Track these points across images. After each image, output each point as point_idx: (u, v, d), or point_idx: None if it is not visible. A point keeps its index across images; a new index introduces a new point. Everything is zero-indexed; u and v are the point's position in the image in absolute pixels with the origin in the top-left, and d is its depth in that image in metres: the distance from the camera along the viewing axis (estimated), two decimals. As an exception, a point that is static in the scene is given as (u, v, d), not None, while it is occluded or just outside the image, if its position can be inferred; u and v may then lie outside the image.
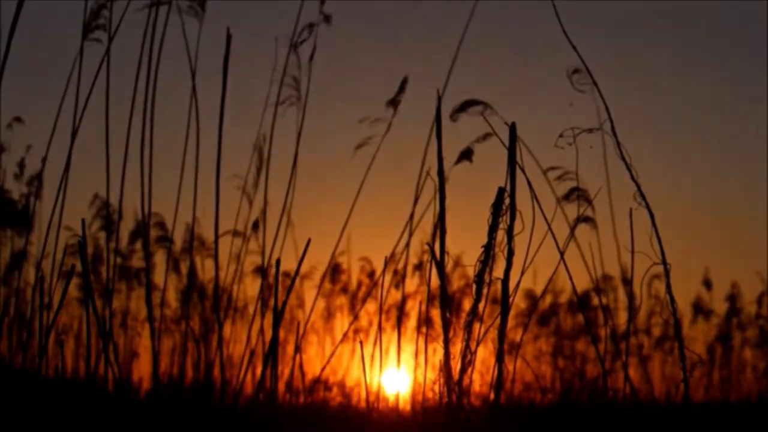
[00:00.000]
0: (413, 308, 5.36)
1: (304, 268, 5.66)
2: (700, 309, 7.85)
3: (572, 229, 3.07)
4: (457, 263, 5.89)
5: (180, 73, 4.07)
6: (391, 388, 3.87)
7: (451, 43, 4.40)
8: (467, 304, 3.05)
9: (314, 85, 4.09)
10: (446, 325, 2.83)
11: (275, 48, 4.20)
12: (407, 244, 4.24)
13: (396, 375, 3.50)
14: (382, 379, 3.46)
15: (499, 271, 2.79)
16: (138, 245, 5.19)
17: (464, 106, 3.40)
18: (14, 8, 3.31)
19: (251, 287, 4.82)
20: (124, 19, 3.80)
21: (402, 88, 4.27)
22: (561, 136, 3.00)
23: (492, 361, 2.86)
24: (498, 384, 2.83)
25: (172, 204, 4.06)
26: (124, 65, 4.01)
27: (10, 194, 4.38)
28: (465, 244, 3.06)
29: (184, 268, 5.49)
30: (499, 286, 2.84)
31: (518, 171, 2.80)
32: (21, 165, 4.67)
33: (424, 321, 3.18)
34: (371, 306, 6.04)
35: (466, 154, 3.54)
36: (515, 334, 6.64)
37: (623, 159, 2.91)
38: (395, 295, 5.42)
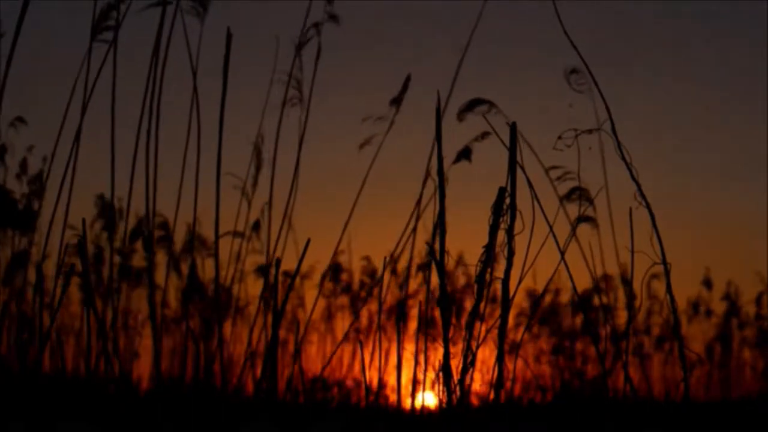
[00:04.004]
0: (415, 308, 5.36)
1: (306, 269, 5.66)
2: (698, 308, 7.84)
3: (573, 229, 3.07)
4: (459, 262, 5.89)
5: (184, 73, 4.07)
6: (392, 389, 3.88)
7: (455, 42, 4.40)
8: (468, 304, 3.05)
9: (317, 85, 4.10)
10: (446, 325, 2.83)
11: (277, 48, 4.20)
12: (412, 244, 4.25)
13: (396, 375, 3.50)
14: (384, 379, 3.46)
15: (500, 271, 2.79)
16: (139, 245, 5.19)
17: (471, 106, 3.40)
18: (19, 8, 3.32)
19: (253, 287, 4.82)
20: (131, 19, 3.80)
21: (405, 87, 4.27)
22: (560, 138, 3.00)
23: (492, 360, 2.86)
24: (498, 383, 2.83)
25: (173, 203, 4.06)
26: (129, 64, 4.02)
27: (12, 194, 4.38)
28: (469, 244, 3.07)
29: (185, 268, 5.49)
30: (500, 285, 2.84)
31: (520, 171, 2.80)
32: (23, 165, 4.67)
33: (424, 321, 3.18)
34: (373, 305, 6.03)
35: (465, 154, 3.54)
36: (516, 334, 6.64)
37: (623, 159, 2.91)
38: (397, 295, 5.42)
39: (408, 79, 4.27)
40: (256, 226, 4.40)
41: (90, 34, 3.83)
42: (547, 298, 7.21)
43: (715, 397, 7.74)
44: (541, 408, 5.94)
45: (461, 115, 3.43)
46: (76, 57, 3.97)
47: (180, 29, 4.05)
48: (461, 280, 6.32)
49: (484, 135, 3.45)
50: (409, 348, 3.37)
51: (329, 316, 6.68)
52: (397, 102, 4.24)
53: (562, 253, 2.96)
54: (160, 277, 4.64)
